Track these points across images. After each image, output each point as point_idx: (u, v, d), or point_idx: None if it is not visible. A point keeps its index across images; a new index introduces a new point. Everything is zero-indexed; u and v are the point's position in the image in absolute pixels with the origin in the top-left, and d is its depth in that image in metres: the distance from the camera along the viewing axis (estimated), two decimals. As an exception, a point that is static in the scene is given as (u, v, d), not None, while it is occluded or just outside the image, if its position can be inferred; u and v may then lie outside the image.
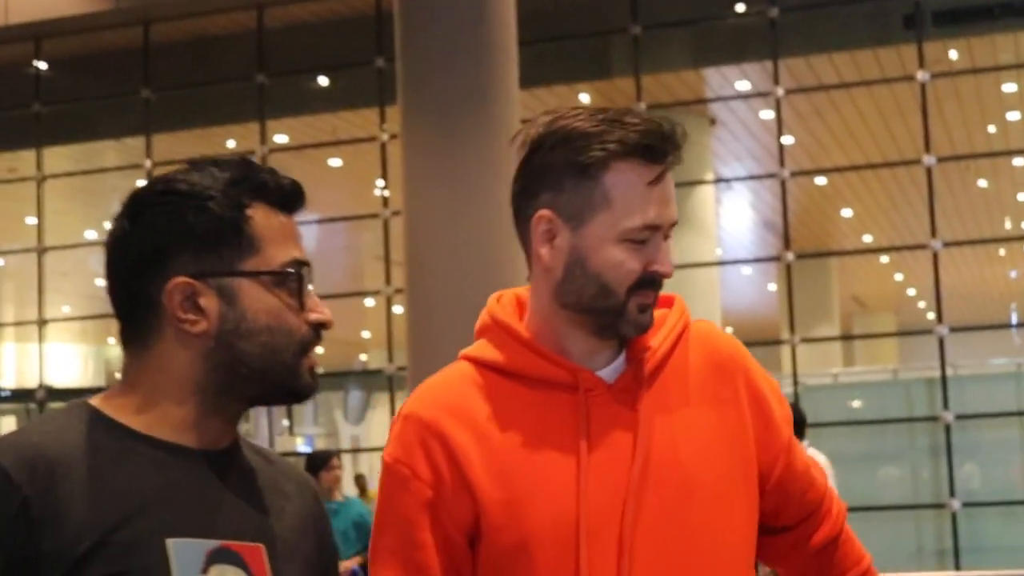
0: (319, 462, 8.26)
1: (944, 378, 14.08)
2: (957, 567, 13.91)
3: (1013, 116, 16.36)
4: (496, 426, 1.73)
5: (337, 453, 9.17)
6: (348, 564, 7.98)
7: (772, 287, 23.01)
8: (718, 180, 17.30)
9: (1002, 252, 22.22)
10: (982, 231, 20.15)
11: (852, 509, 2.12)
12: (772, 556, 1.96)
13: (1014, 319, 27.19)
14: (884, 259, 22.93)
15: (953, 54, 15.13)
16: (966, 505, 13.91)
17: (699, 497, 1.74)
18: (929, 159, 14.42)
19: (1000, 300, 25.04)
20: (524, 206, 1.79)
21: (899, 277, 24.30)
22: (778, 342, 20.38)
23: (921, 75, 14.35)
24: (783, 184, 15.10)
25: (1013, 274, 24.17)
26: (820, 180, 18.18)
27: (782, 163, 15.22)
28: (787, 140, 15.66)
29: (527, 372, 1.77)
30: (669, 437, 1.75)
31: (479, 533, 1.72)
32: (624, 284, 1.75)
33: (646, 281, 1.76)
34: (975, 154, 16.61)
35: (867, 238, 21.47)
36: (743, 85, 15.99)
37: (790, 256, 15.31)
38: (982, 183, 18.28)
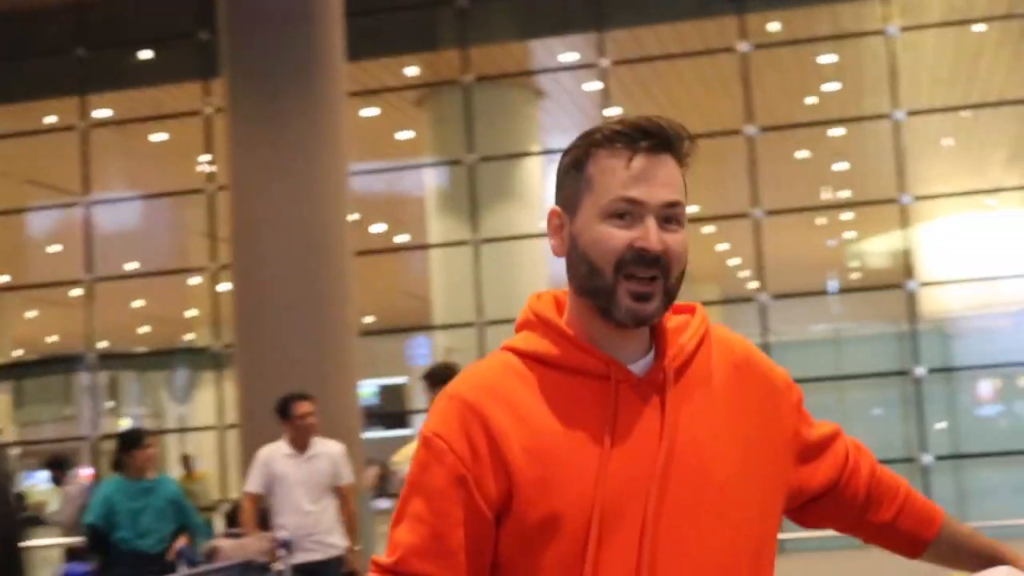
0: (131, 441, 8.10)
1: (767, 344, 14.48)
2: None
3: (830, 87, 16.85)
4: (533, 410, 1.82)
5: (151, 432, 9.01)
6: (176, 544, 7.87)
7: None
8: (545, 152, 17.40)
9: (820, 221, 22.90)
10: (801, 200, 20.71)
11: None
12: (828, 518, 2.10)
13: (832, 287, 28.07)
14: (708, 229, 23.43)
15: (773, 26, 15.51)
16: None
17: (717, 489, 1.82)
18: (750, 129, 14.78)
19: (819, 268, 25.82)
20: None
21: (723, 247, 24.87)
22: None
23: (742, 46, 14.67)
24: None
25: (831, 243, 24.93)
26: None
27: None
28: (613, 111, 15.86)
29: (564, 362, 1.85)
30: (691, 431, 1.83)
31: (509, 508, 1.80)
32: (609, 260, 1.81)
33: (632, 259, 1.80)
34: (795, 124, 17.05)
35: (691, 208, 21.91)
36: (569, 57, 16.13)
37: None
38: (802, 153, 18.79)
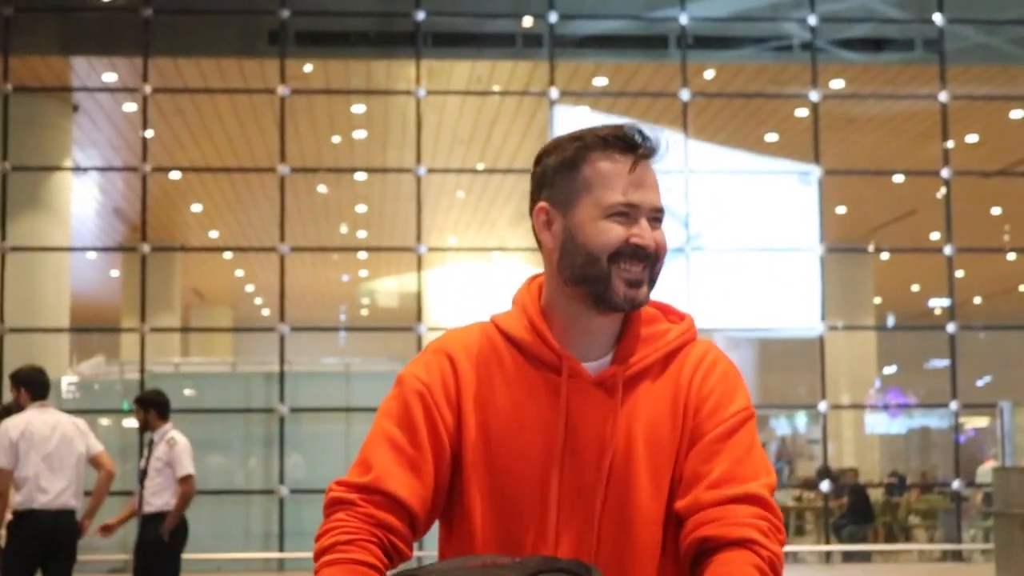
0: None
1: (282, 373, 15.67)
2: (281, 548, 15.56)
3: (359, 134, 18.40)
4: (497, 385, 2.12)
5: None
6: None
7: (115, 273, 23.86)
8: (77, 169, 17.96)
9: (335, 257, 24.43)
10: (321, 237, 22.18)
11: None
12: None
13: (343, 319, 29.61)
14: (228, 255, 24.47)
15: (309, 69, 16.82)
16: (294, 492, 15.52)
17: (633, 487, 2.08)
18: (283, 168, 16.03)
19: (332, 302, 27.35)
20: (531, 208, 2.19)
21: (240, 273, 25.95)
22: (123, 330, 21.30)
23: (282, 89, 15.93)
24: (144, 178, 16.14)
25: (345, 278, 26.52)
26: (175, 175, 19.27)
27: (145, 157, 16.26)
28: (148, 133, 16.68)
29: (527, 348, 2.14)
30: (624, 432, 2.09)
31: (459, 463, 2.13)
32: (606, 251, 2.07)
33: (628, 252, 2.07)
34: (324, 168, 18.51)
35: (213, 234, 22.91)
36: (110, 77, 16.82)
37: (146, 247, 16.31)
38: (322, 189, 20.18)
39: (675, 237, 17.94)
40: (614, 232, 2.07)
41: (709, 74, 17.03)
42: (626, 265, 2.07)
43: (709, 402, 2.12)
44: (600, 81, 17.22)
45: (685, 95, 16.33)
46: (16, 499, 8.15)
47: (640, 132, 2.12)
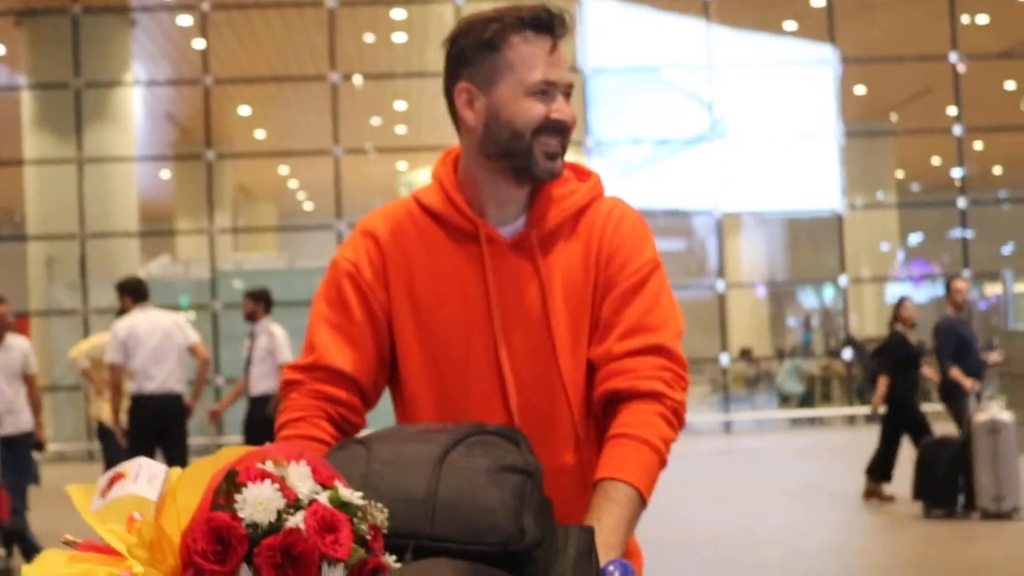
0: None
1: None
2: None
3: (399, 37, 19.83)
4: (419, 256, 2.28)
5: None
6: None
7: (166, 175, 25.48)
8: (141, 83, 19.54)
9: (372, 156, 25.87)
10: (363, 135, 23.67)
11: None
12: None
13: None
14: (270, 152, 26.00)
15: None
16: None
17: (556, 340, 2.25)
18: (334, 76, 17.58)
19: (370, 196, 28.86)
20: (448, 87, 2.27)
21: (284, 170, 27.52)
22: (193, 232, 23.00)
23: (330, 2, 17.42)
24: (206, 89, 17.76)
25: (401, 165, 27.98)
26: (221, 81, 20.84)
27: (206, 68, 17.85)
28: (201, 44, 18.25)
29: (446, 219, 2.28)
30: (543, 289, 2.26)
31: (393, 328, 2.30)
32: (530, 126, 2.19)
33: (548, 127, 2.20)
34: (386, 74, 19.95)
35: (259, 134, 24.50)
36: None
37: (211, 154, 18.00)
38: (358, 81, 21.65)
39: (700, 124, 19.49)
40: (536, 109, 2.19)
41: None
42: (545, 139, 2.20)
43: (619, 254, 2.28)
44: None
45: (707, -5, 17.78)
46: (130, 387, 9.80)
47: (556, 13, 2.23)
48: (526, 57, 2.19)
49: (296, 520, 1.55)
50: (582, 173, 2.36)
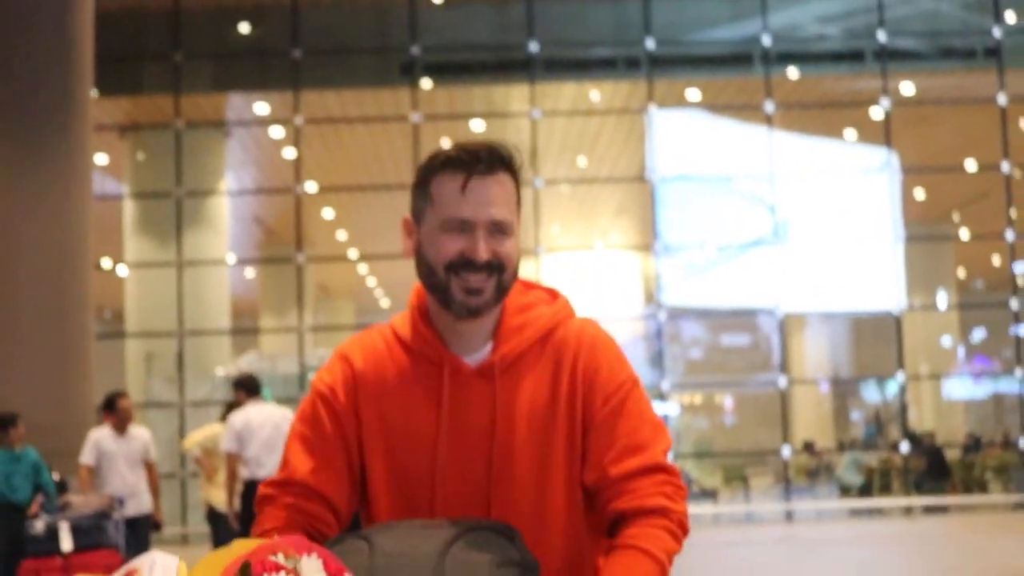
0: (5, 422, 11.15)
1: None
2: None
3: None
4: (391, 382, 2.35)
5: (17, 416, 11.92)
6: (37, 498, 11.05)
7: (251, 274, 26.86)
8: (234, 192, 21.01)
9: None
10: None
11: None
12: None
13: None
14: (352, 255, 27.34)
15: (434, 94, 19.76)
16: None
17: (517, 463, 2.29)
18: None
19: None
20: None
21: (363, 269, 28.83)
22: (284, 330, 24.32)
23: (414, 116, 18.83)
24: (297, 197, 19.18)
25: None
26: (311, 187, 22.25)
27: (297, 177, 19.28)
28: (291, 154, 19.70)
29: (414, 346, 2.36)
30: (511, 414, 2.31)
31: (363, 452, 2.37)
32: (440, 263, 2.25)
33: (461, 263, 2.24)
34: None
35: (341, 235, 25.88)
36: (261, 107, 19.87)
37: (301, 257, 19.37)
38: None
39: (764, 227, 20.64)
40: (448, 245, 2.24)
41: (790, 83, 19.73)
42: (465, 274, 2.23)
43: (595, 379, 2.31)
44: (693, 95, 19.98)
45: (769, 107, 19.05)
46: (244, 473, 10.79)
47: (480, 151, 2.26)
48: (444, 195, 2.25)
49: None
50: (552, 295, 2.43)
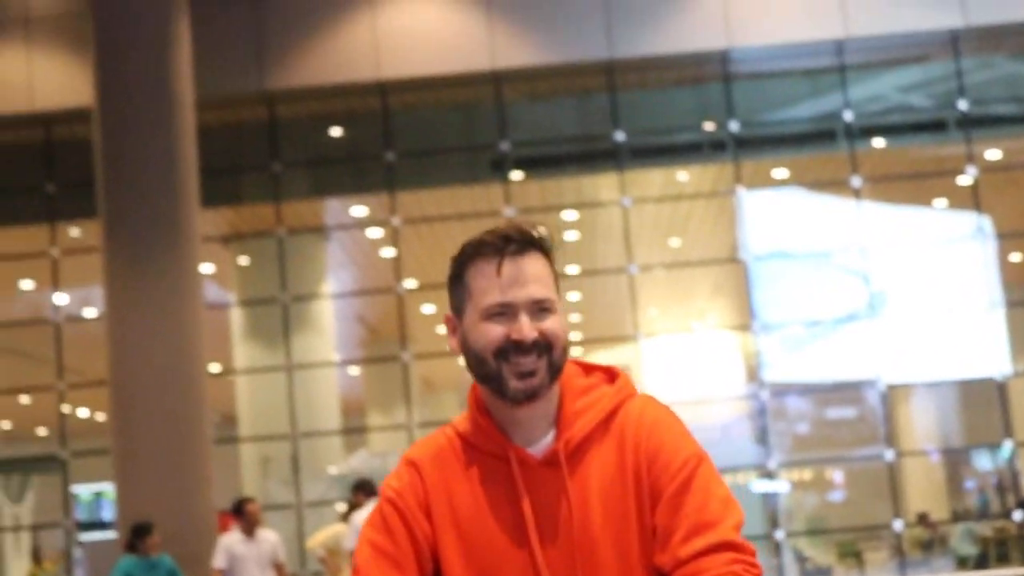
0: (142, 531, 11.77)
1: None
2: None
3: (571, 235, 21.68)
4: (460, 484, 2.35)
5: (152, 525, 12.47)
6: None
7: (355, 372, 27.51)
8: (338, 295, 21.71)
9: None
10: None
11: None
12: None
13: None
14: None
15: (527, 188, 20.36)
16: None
17: (598, 551, 2.27)
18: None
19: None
20: None
21: (463, 361, 29.33)
22: (394, 427, 24.91)
23: (507, 210, 19.40)
24: (400, 296, 19.80)
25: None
26: (411, 284, 22.86)
27: (398, 276, 19.92)
28: (389, 253, 20.37)
29: (478, 444, 2.36)
30: (580, 501, 2.29)
31: (437, 552, 2.36)
32: (489, 350, 2.27)
33: (510, 348, 2.26)
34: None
35: (440, 330, 26.40)
36: (358, 210, 20.59)
37: (406, 356, 19.98)
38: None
39: (859, 300, 20.87)
40: (494, 332, 2.24)
41: (876, 156, 20.08)
42: (514, 359, 2.23)
43: (659, 456, 2.28)
44: (780, 173, 20.39)
45: (856, 181, 19.40)
46: None
47: (510, 232, 2.30)
48: (480, 282, 2.28)
49: None
50: (612, 375, 2.43)
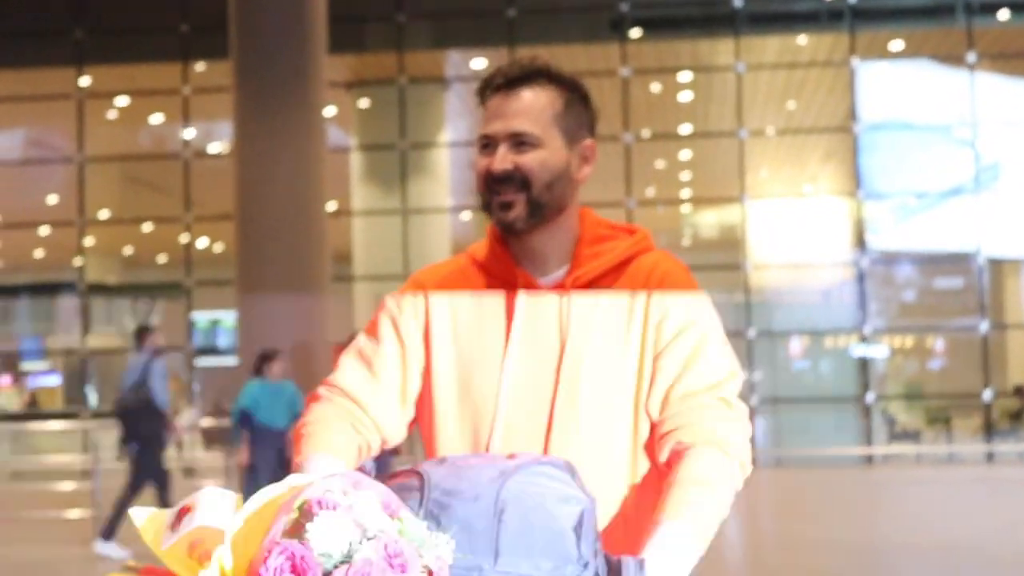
0: (268, 356, 12.55)
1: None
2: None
3: (685, 96, 22.16)
4: (464, 304, 2.40)
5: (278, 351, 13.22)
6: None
7: (466, 216, 28.35)
8: (455, 144, 22.51)
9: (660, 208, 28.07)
10: (646, 180, 25.99)
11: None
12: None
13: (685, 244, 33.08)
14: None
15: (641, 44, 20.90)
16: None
17: (583, 386, 2.29)
18: (627, 136, 20.03)
19: (655, 235, 31.04)
20: None
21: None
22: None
23: (623, 71, 19.96)
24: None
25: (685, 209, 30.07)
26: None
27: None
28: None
29: (490, 269, 2.40)
30: (576, 335, 2.31)
31: (428, 373, 2.40)
32: (478, 181, 2.32)
33: (490, 179, 2.29)
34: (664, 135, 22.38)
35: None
36: (478, 62, 21.27)
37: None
38: (660, 163, 23.93)
39: (968, 172, 21.17)
40: (480, 164, 2.30)
41: (994, 31, 20.29)
42: (496, 189, 2.27)
43: (668, 307, 2.30)
44: (896, 45, 20.67)
45: (971, 57, 19.67)
46: None
47: (505, 67, 2.32)
48: (483, 115, 2.30)
49: (367, 551, 1.59)
50: (632, 231, 2.42)
